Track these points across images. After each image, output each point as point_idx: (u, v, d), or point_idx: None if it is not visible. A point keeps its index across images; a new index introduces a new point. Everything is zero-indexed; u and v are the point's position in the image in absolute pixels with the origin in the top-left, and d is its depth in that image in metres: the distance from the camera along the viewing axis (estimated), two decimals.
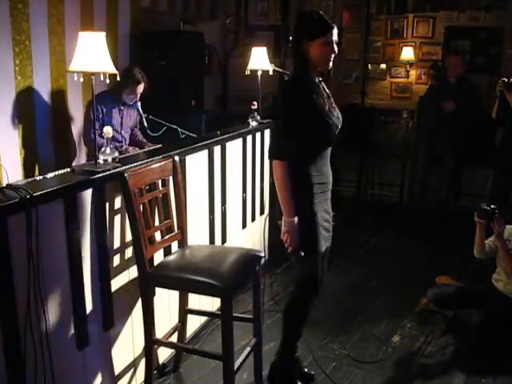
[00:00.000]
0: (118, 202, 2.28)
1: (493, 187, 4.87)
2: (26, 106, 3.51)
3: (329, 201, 2.43)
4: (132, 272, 2.40)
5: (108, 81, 2.27)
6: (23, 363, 1.80)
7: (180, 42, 4.65)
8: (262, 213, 3.94)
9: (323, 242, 2.36)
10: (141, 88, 3.66)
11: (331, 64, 2.29)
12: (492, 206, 3.07)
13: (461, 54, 5.00)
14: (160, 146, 3.14)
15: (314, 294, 2.44)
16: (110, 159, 2.25)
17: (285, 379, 2.58)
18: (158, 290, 2.47)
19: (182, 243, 2.58)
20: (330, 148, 2.35)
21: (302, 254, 2.28)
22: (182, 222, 2.56)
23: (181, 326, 2.66)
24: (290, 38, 2.29)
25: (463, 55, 5.00)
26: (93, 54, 2.16)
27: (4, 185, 1.97)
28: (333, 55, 2.26)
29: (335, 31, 2.25)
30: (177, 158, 2.53)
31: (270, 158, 2.28)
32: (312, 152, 2.29)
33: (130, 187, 2.17)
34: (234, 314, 2.43)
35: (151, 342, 2.34)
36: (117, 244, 2.31)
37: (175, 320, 2.68)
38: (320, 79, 2.35)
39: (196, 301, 2.81)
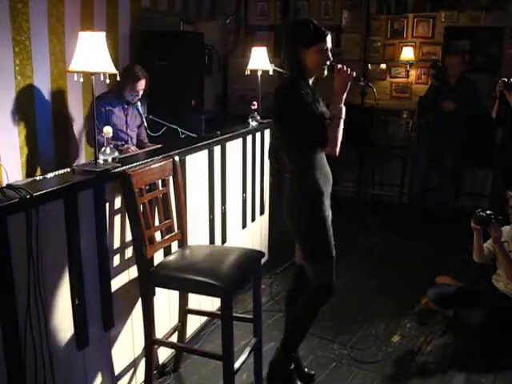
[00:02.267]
0: (117, 202, 2.28)
1: (493, 187, 4.88)
2: (26, 106, 3.51)
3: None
4: (132, 272, 2.40)
5: (108, 81, 2.27)
6: (23, 363, 1.80)
7: (180, 42, 4.65)
8: (262, 213, 3.94)
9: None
10: (142, 85, 3.65)
11: (326, 72, 2.32)
12: (488, 212, 3.07)
13: (460, 53, 5.00)
14: (160, 145, 3.14)
15: (328, 298, 2.45)
16: (110, 159, 2.25)
17: (283, 378, 2.58)
18: (158, 290, 2.47)
19: (182, 243, 2.58)
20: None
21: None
22: (181, 222, 2.56)
23: (181, 326, 2.66)
24: (285, 45, 2.32)
25: (462, 54, 5.00)
26: (93, 54, 2.16)
27: (4, 185, 1.97)
28: (328, 62, 2.29)
29: (329, 38, 2.30)
30: (177, 158, 2.53)
31: (270, 158, 2.30)
32: (313, 152, 2.32)
33: (130, 187, 2.17)
34: (234, 314, 2.43)
35: (151, 342, 2.34)
36: (117, 244, 2.30)
37: (175, 320, 2.68)
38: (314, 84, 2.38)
39: (196, 301, 2.81)
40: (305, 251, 2.43)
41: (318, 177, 2.33)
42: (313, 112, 2.25)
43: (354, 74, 2.28)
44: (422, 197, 5.15)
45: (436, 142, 4.85)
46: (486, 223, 3.06)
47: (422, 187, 5.13)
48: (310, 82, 2.36)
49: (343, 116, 2.27)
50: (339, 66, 2.27)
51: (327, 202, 2.39)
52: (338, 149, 2.28)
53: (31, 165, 3.60)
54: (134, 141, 3.85)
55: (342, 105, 2.28)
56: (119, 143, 3.63)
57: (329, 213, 2.42)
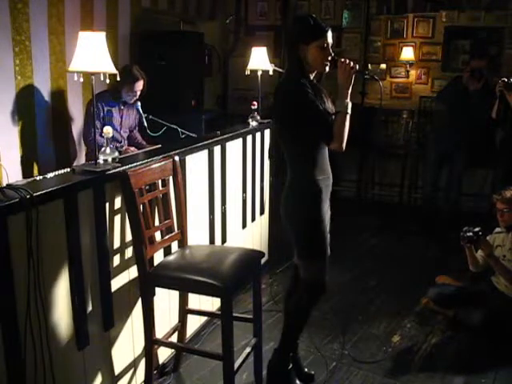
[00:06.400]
0: (118, 202, 2.28)
1: (493, 187, 4.85)
2: (25, 106, 3.51)
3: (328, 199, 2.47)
4: (132, 272, 2.40)
5: (108, 80, 2.27)
6: (23, 363, 1.80)
7: (180, 41, 4.65)
8: (262, 213, 3.94)
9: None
10: (140, 85, 3.64)
11: (328, 68, 2.31)
12: (475, 230, 3.06)
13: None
14: (160, 146, 3.14)
15: (319, 296, 2.45)
16: (110, 159, 2.25)
17: (282, 379, 2.58)
18: (158, 290, 2.47)
19: (182, 243, 2.58)
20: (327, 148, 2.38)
21: None
22: (182, 222, 2.56)
23: (181, 326, 2.66)
24: (285, 41, 2.32)
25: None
26: (93, 54, 2.16)
27: (4, 185, 1.97)
28: (329, 58, 2.28)
29: (330, 34, 2.29)
30: (177, 158, 2.53)
31: (270, 157, 2.30)
32: (315, 151, 2.32)
33: (130, 187, 2.17)
34: (234, 314, 2.43)
35: (151, 342, 2.34)
36: (117, 244, 2.31)
37: (175, 320, 2.68)
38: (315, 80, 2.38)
39: (196, 301, 2.81)
40: (299, 249, 2.43)
41: (317, 175, 2.33)
42: (315, 107, 2.23)
43: (357, 66, 2.27)
44: (435, 197, 5.10)
45: (448, 141, 4.76)
46: (474, 241, 3.07)
47: (435, 187, 5.08)
48: (312, 77, 2.34)
49: (349, 111, 2.24)
50: (342, 59, 2.26)
51: (326, 201, 2.39)
52: (344, 145, 2.26)
53: (31, 165, 3.60)
54: (126, 142, 3.85)
55: (348, 100, 2.24)
56: (118, 144, 3.63)
57: (327, 211, 2.42)
